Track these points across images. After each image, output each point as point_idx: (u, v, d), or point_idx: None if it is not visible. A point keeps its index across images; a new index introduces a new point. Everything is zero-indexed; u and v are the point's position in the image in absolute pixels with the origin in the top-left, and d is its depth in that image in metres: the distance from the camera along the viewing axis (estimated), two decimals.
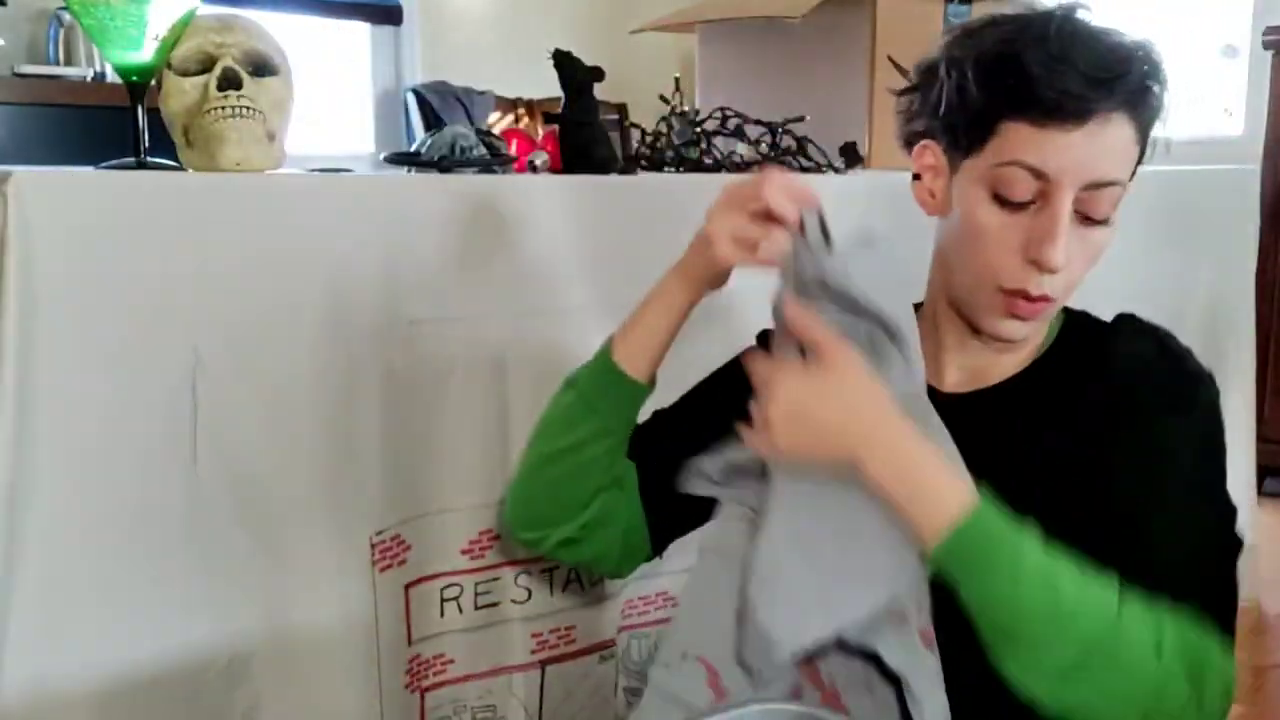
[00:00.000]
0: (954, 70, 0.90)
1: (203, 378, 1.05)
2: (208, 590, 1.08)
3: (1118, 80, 0.84)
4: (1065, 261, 0.87)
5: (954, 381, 0.99)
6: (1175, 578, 0.83)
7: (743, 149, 1.67)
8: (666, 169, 1.65)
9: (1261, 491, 2.65)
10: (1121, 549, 0.84)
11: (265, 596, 1.12)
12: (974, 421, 0.93)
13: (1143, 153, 0.91)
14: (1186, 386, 0.90)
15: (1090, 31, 0.86)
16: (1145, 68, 0.87)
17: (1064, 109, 0.84)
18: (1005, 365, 0.97)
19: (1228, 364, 2.17)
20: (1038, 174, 0.86)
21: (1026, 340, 0.96)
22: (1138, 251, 1.95)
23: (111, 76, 2.91)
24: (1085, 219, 0.88)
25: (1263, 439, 2.41)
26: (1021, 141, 0.86)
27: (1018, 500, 0.82)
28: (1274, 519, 2.77)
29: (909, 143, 0.98)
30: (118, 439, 1.01)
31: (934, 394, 0.95)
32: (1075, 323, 0.99)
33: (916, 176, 0.97)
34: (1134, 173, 0.91)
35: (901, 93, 0.99)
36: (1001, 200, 0.88)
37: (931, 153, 0.95)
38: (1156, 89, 0.88)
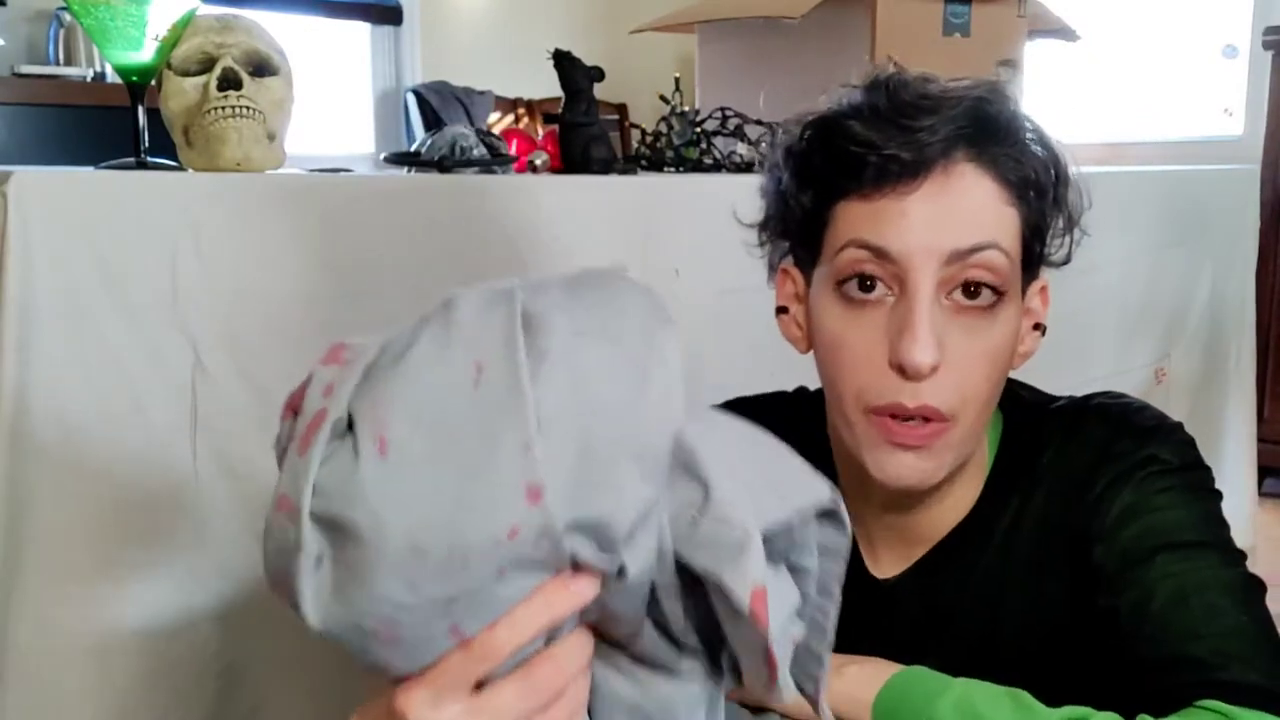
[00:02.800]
0: (775, 166, 0.78)
1: (202, 378, 1.05)
2: (208, 591, 1.08)
3: (943, 118, 0.69)
4: (934, 358, 0.68)
5: (890, 559, 0.82)
6: (1212, 651, 0.68)
7: (743, 149, 1.67)
8: (666, 169, 1.65)
9: (1261, 491, 2.65)
10: (1138, 651, 0.70)
11: (266, 596, 1.12)
12: (925, 602, 0.80)
13: (1039, 225, 0.73)
14: (1147, 449, 0.75)
15: (906, 82, 0.72)
16: (985, 103, 0.71)
17: (887, 170, 0.69)
18: (947, 514, 0.80)
19: (1228, 364, 2.17)
20: (879, 254, 0.70)
21: (942, 481, 0.75)
22: (1138, 252, 1.96)
23: (111, 76, 2.91)
24: (966, 305, 0.71)
25: (1263, 439, 2.41)
26: (854, 220, 0.72)
27: (1011, 671, 0.70)
28: (1274, 519, 2.77)
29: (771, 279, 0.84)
30: (117, 439, 1.01)
31: (873, 584, 0.82)
32: (1015, 430, 0.80)
33: (782, 310, 0.81)
34: (1040, 254, 0.75)
35: (760, 227, 0.83)
36: (848, 298, 0.72)
37: (790, 277, 0.80)
38: (1012, 131, 0.72)
